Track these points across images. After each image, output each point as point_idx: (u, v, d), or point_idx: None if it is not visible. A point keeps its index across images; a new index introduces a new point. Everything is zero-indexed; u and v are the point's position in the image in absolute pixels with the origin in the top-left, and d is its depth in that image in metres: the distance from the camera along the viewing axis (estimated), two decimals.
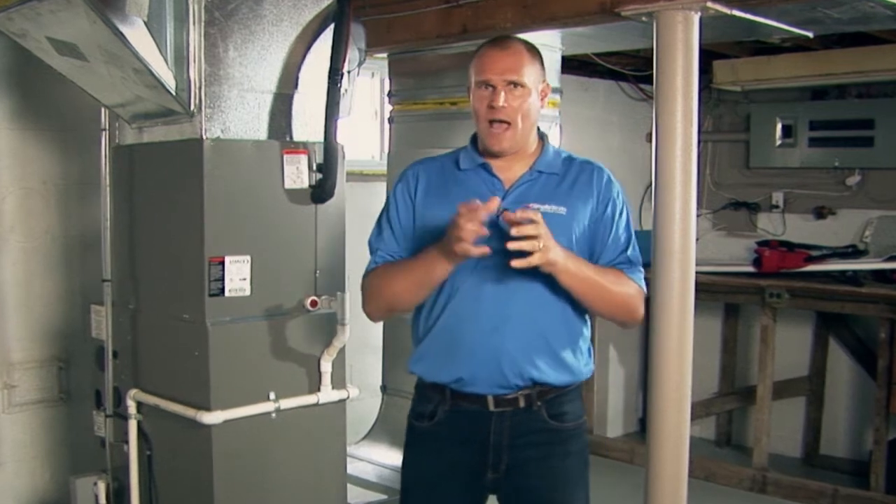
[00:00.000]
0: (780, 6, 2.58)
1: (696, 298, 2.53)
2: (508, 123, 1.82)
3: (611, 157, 4.79)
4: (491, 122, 1.83)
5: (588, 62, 4.15)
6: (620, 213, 1.90)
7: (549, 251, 1.69)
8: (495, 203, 1.69)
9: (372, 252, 1.94)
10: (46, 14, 2.32)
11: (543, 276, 1.79)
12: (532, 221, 1.67)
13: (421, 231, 1.88)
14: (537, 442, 1.88)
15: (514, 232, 1.66)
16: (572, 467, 1.92)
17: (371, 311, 1.93)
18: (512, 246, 1.66)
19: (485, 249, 1.68)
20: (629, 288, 1.87)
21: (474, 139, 1.93)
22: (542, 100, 1.89)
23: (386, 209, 1.95)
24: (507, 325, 1.82)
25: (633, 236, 1.93)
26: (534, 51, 1.89)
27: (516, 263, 1.68)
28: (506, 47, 1.86)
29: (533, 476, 1.89)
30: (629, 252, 1.89)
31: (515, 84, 1.82)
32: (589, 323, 1.95)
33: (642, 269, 1.92)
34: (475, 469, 1.90)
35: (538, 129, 1.94)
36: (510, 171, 1.88)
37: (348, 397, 2.71)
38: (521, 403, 1.86)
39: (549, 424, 1.88)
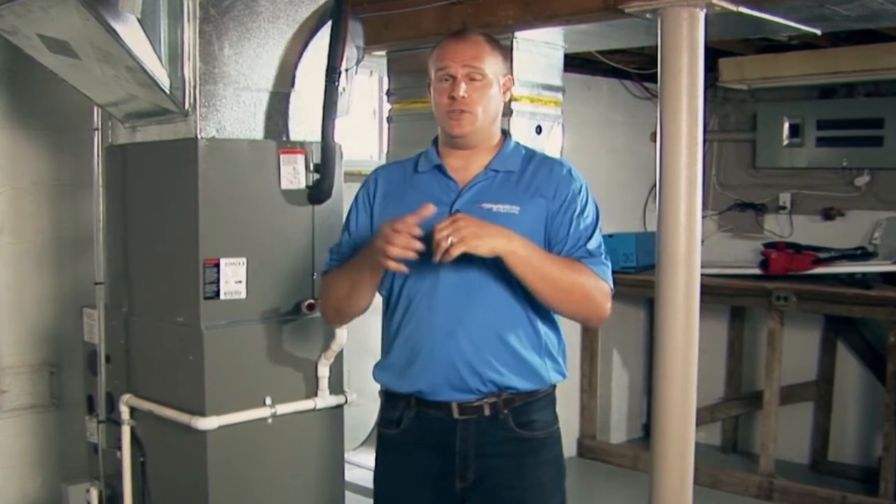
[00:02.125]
0: (788, 3, 2.58)
1: (702, 301, 2.52)
2: (469, 113, 1.82)
3: (614, 157, 4.79)
4: (450, 112, 1.82)
5: (591, 60, 4.12)
6: (582, 208, 1.84)
7: (479, 239, 1.67)
8: (429, 210, 1.70)
9: (329, 255, 1.98)
10: (37, 11, 2.30)
11: (500, 278, 1.78)
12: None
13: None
14: (506, 452, 1.85)
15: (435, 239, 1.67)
16: (545, 476, 1.89)
17: (324, 313, 2.05)
18: (436, 258, 1.67)
19: (403, 268, 1.70)
20: (588, 278, 1.79)
21: (436, 141, 1.92)
22: (504, 93, 1.88)
23: (348, 215, 1.98)
24: (461, 328, 1.79)
25: (599, 233, 1.87)
26: (494, 42, 1.88)
27: (438, 258, 1.67)
28: (465, 37, 1.86)
29: (503, 486, 1.86)
30: (590, 245, 1.83)
31: (475, 75, 1.81)
32: (559, 326, 1.91)
33: (608, 265, 1.85)
34: (443, 478, 1.87)
35: (502, 129, 1.93)
36: (466, 171, 1.87)
37: (346, 402, 2.68)
38: (486, 411, 1.83)
39: (517, 433, 1.85)
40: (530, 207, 1.81)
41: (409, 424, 1.89)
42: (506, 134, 1.93)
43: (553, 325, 1.89)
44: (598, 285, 1.80)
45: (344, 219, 2.00)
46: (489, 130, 1.87)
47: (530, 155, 1.91)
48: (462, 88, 1.79)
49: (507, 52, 1.90)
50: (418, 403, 1.87)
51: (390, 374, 1.91)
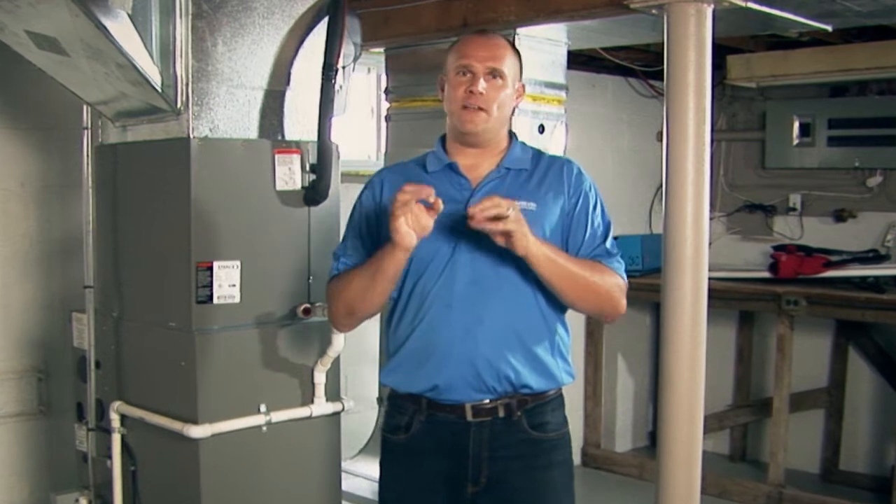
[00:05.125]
0: None
1: (710, 306, 2.49)
2: (484, 111, 1.85)
3: (620, 156, 4.79)
4: (465, 107, 1.85)
5: (595, 57, 4.11)
6: (594, 206, 1.91)
7: (523, 232, 1.71)
8: (439, 203, 1.71)
9: (335, 260, 1.96)
10: (25, 7, 2.27)
11: (516, 276, 1.81)
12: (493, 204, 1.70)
13: (386, 239, 1.86)
14: (519, 454, 1.87)
15: (476, 212, 1.67)
16: (557, 478, 1.91)
17: (333, 315, 1.96)
18: (476, 225, 1.68)
19: (411, 235, 1.69)
20: (610, 278, 1.87)
21: (442, 140, 1.95)
22: (516, 99, 1.93)
23: (351, 217, 1.97)
24: (479, 326, 1.81)
25: (610, 228, 1.94)
26: (514, 49, 1.94)
27: (477, 220, 1.68)
28: (488, 37, 1.91)
29: (515, 488, 1.87)
30: (607, 244, 1.91)
31: (495, 73, 1.85)
32: (569, 327, 1.94)
33: (621, 261, 1.92)
34: (454, 482, 1.87)
35: (509, 130, 1.97)
36: (478, 169, 1.90)
37: (343, 410, 2.67)
38: (501, 413, 1.85)
39: (531, 435, 1.87)
40: (548, 204, 1.86)
41: (419, 429, 1.88)
42: (512, 135, 1.97)
43: (563, 325, 1.92)
44: (617, 283, 1.87)
45: (346, 222, 1.99)
46: (499, 132, 1.91)
47: (538, 154, 1.96)
48: (482, 84, 1.83)
49: (521, 60, 1.95)
50: (430, 406, 1.86)
51: (401, 374, 1.88)
